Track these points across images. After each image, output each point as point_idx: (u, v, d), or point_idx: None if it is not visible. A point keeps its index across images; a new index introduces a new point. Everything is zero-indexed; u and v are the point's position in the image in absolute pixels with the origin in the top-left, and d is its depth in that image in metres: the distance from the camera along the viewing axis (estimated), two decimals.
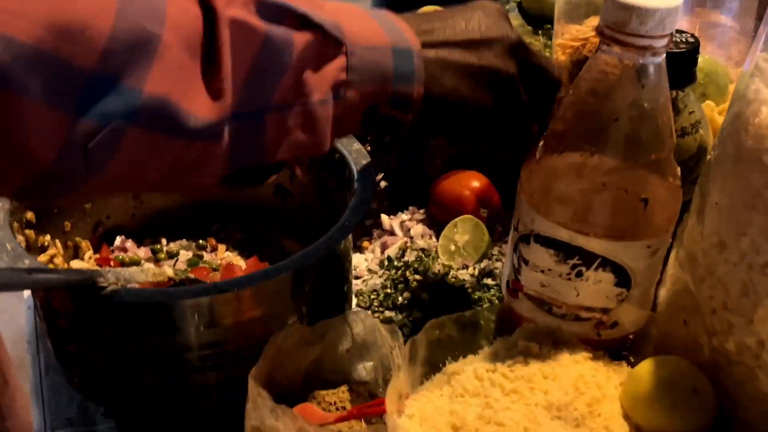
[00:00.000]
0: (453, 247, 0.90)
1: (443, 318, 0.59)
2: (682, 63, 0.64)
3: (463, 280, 0.85)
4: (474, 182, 0.94)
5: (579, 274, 0.58)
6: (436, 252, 0.90)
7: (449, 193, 0.94)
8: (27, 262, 0.64)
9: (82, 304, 0.65)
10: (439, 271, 0.87)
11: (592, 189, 0.56)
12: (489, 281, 0.85)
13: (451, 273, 0.86)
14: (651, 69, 0.54)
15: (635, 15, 0.51)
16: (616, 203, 0.56)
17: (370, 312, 0.82)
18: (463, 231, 0.89)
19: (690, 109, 0.66)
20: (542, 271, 0.59)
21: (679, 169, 0.58)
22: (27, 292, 0.89)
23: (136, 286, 0.68)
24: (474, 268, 0.87)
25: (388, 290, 0.86)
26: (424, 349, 0.58)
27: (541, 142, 0.59)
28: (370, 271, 0.90)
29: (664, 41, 0.53)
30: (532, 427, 0.52)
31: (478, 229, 0.88)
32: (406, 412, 0.55)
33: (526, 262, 0.60)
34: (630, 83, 0.54)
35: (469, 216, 0.89)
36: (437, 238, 0.92)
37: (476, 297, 0.83)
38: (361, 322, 0.69)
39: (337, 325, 0.68)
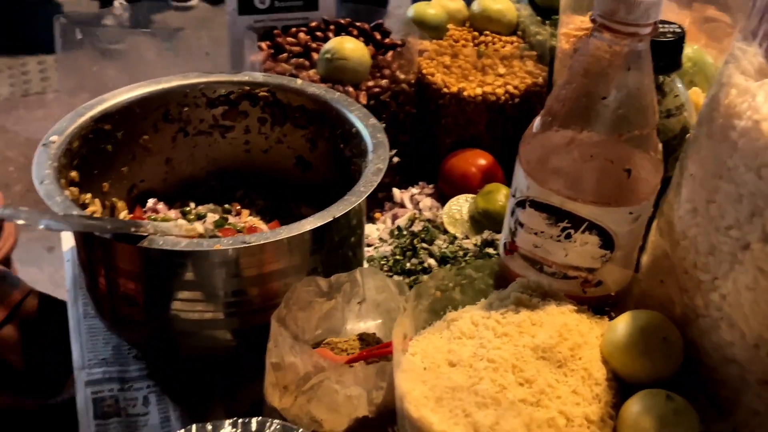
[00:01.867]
0: (458, 218, 0.97)
1: (447, 267, 0.66)
2: (669, 51, 0.71)
3: (467, 248, 0.92)
4: (480, 160, 1.01)
5: (568, 236, 0.65)
6: (442, 223, 0.98)
7: (457, 169, 1.01)
8: (75, 213, 0.71)
9: (123, 251, 0.72)
10: (444, 240, 0.94)
11: (582, 160, 0.63)
12: (490, 250, 0.92)
13: (456, 242, 0.93)
14: (637, 54, 0.60)
15: (623, 5, 0.58)
16: (603, 173, 0.63)
17: None
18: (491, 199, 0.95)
19: (675, 93, 0.73)
20: (536, 233, 0.66)
21: (660, 145, 0.65)
22: (67, 246, 0.96)
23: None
24: (477, 239, 0.94)
25: (398, 257, 0.93)
26: (429, 297, 0.65)
27: (539, 118, 0.66)
28: (381, 239, 0.97)
29: (649, 29, 0.59)
30: (519, 365, 0.59)
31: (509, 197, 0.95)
32: (410, 351, 0.62)
33: (522, 225, 0.67)
34: (618, 66, 0.61)
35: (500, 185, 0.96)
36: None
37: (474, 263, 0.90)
38: (372, 278, 0.76)
39: (351, 279, 0.75)
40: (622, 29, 0.59)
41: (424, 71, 1.04)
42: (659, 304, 0.65)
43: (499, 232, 0.95)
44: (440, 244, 0.93)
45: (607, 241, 0.65)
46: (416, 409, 0.57)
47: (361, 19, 1.09)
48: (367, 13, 1.13)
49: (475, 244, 0.93)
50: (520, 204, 0.67)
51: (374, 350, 0.69)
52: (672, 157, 0.70)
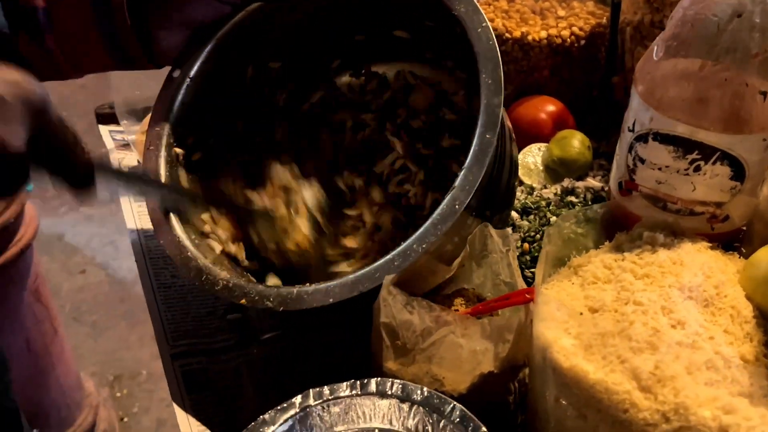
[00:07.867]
0: (532, 168, 0.93)
1: (569, 212, 0.62)
2: None
3: (548, 198, 0.88)
4: (549, 106, 0.96)
5: (697, 169, 0.61)
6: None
7: (525, 117, 0.97)
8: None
9: None
10: (522, 191, 0.90)
11: (714, 84, 0.58)
12: (572, 198, 0.88)
13: (535, 193, 0.89)
14: None
15: None
16: (737, 97, 0.58)
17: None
18: (566, 146, 0.91)
19: None
20: (659, 169, 0.62)
21: None
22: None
23: None
24: (556, 187, 0.90)
25: None
26: (553, 244, 0.61)
27: (659, 43, 0.61)
28: None
29: None
30: (668, 306, 0.55)
31: (584, 143, 0.91)
32: (541, 300, 0.58)
33: (643, 161, 0.63)
34: None
35: (574, 131, 0.92)
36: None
37: (562, 213, 0.86)
38: (473, 230, 0.72)
39: None
40: None
41: None
42: None
43: (575, 179, 0.91)
44: (519, 195, 0.89)
45: (738, 171, 0.61)
46: (566, 358, 0.53)
47: None
48: None
49: (555, 193, 0.89)
50: (641, 138, 0.63)
51: (492, 303, 0.64)
52: None
